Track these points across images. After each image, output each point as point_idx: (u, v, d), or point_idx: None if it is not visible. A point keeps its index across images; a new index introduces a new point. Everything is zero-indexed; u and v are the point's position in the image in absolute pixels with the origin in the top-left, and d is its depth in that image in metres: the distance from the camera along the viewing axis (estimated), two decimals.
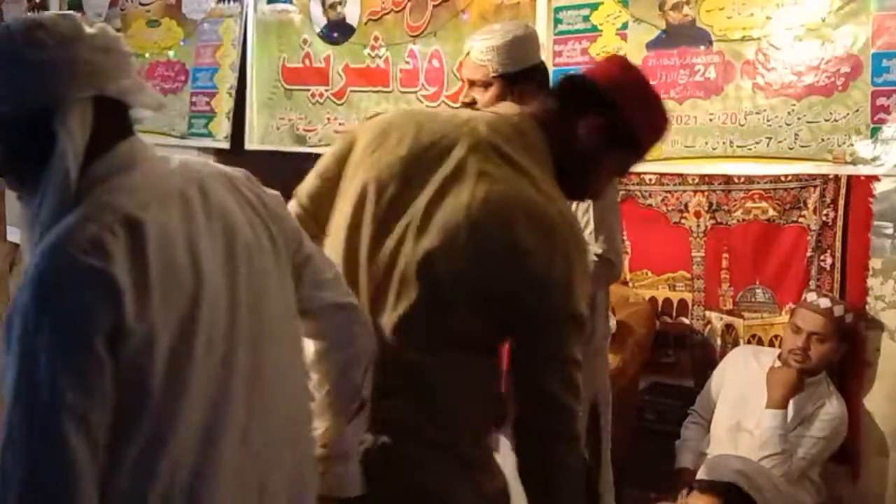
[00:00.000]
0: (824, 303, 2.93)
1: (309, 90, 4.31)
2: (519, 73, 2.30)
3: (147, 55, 4.98)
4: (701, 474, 2.75)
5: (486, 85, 2.29)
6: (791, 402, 2.88)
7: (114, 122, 1.28)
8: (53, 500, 1.08)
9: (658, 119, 1.64)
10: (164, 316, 1.17)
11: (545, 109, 1.57)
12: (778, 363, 2.95)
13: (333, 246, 1.57)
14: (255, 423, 1.27)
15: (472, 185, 1.43)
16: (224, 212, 1.31)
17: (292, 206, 1.68)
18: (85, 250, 1.14)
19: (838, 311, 2.91)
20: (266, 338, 1.31)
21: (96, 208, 1.19)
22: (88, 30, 1.26)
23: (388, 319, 1.47)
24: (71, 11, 1.60)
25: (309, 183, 1.68)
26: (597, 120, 1.53)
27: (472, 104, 2.29)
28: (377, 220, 1.50)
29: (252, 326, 1.28)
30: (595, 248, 2.21)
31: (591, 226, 2.23)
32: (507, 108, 1.60)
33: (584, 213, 2.22)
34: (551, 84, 2.46)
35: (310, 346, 1.47)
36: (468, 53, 2.34)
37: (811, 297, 2.97)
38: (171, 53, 4.89)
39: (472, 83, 2.32)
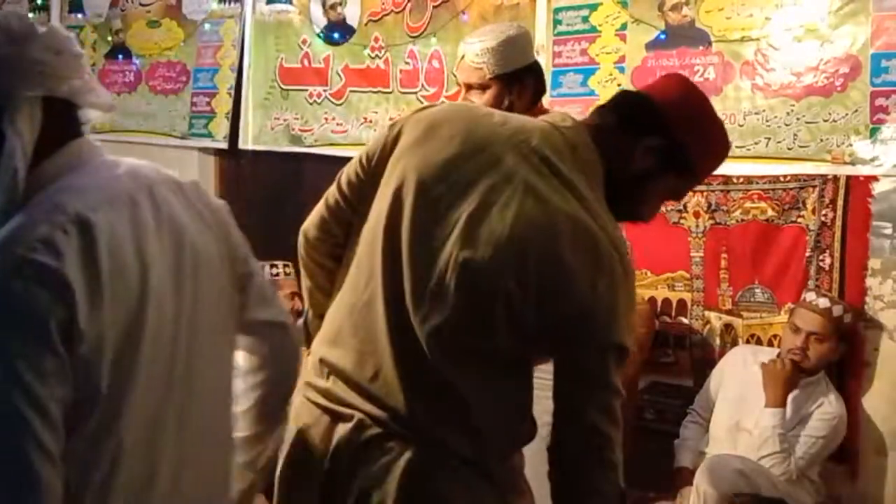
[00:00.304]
0: (823, 302, 2.93)
1: (306, 90, 4.32)
2: (515, 73, 2.30)
3: (147, 56, 4.99)
4: (700, 474, 2.75)
5: (483, 87, 2.29)
6: (790, 402, 2.88)
7: (63, 122, 1.28)
8: (18, 490, 1.08)
9: (716, 145, 1.58)
10: (113, 317, 1.17)
11: (599, 124, 1.52)
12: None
13: (370, 243, 1.50)
14: (185, 431, 1.29)
15: (520, 199, 1.38)
16: (173, 219, 1.31)
17: (330, 193, 1.63)
18: (36, 249, 1.13)
19: (837, 310, 2.91)
20: (200, 347, 1.31)
21: (46, 208, 1.18)
22: (40, 29, 1.25)
23: (421, 328, 1.41)
24: (12, 11, 1.58)
25: (349, 171, 1.61)
26: (651, 142, 1.48)
27: None
28: (417, 222, 1.43)
29: (189, 335, 1.29)
30: None
31: None
32: (561, 118, 1.52)
33: None
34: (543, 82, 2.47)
35: (240, 359, 1.48)
36: (463, 57, 2.34)
37: (810, 296, 2.98)
38: (171, 54, 4.89)
39: (468, 87, 2.32)
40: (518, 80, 2.31)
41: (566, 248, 1.35)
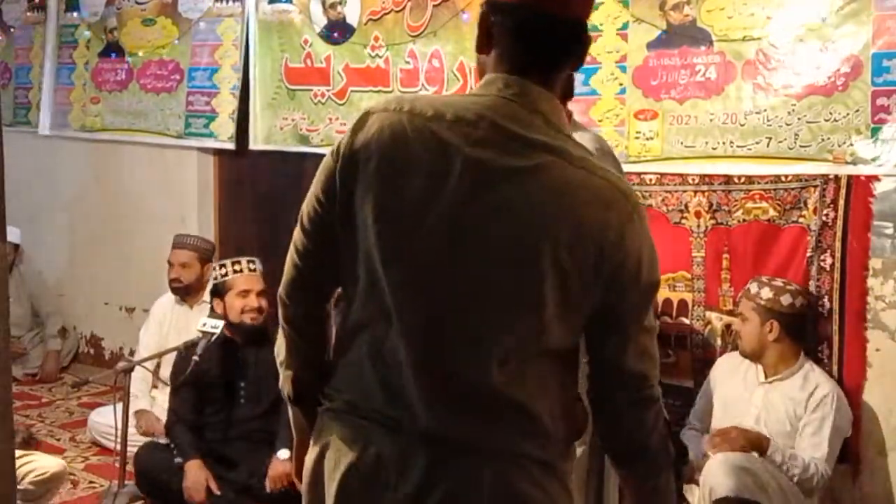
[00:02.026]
0: (753, 287, 3.03)
1: (311, 90, 4.32)
2: None
3: (140, 54, 4.98)
4: (706, 471, 2.74)
5: None
6: (779, 392, 2.90)
7: None
8: None
9: None
10: None
11: (511, 57, 1.38)
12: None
13: (369, 289, 1.39)
14: None
15: (509, 186, 1.31)
16: None
17: (295, 234, 1.49)
18: None
19: (765, 293, 2.99)
20: None
21: None
22: None
23: (462, 339, 1.33)
24: None
25: (313, 206, 1.46)
26: (578, 51, 1.41)
27: None
28: (413, 251, 1.34)
29: None
30: None
31: None
32: (497, 88, 1.38)
33: None
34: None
35: None
36: None
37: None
38: (164, 52, 4.88)
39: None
40: None
41: (582, 213, 1.31)
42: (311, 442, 1.48)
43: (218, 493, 3.25)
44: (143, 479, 3.40)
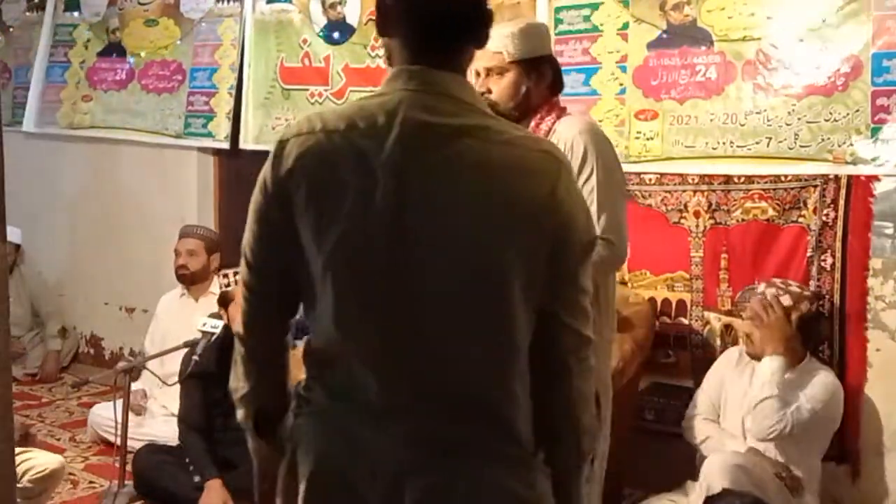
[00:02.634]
0: (770, 291, 2.98)
1: (307, 90, 4.32)
2: (534, 61, 2.30)
3: (143, 54, 4.98)
4: (705, 468, 2.74)
5: (502, 71, 2.29)
6: (784, 383, 2.88)
7: None
8: None
9: None
10: None
11: (411, 41, 1.39)
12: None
13: (331, 307, 1.37)
14: None
15: (433, 183, 1.31)
16: None
17: (242, 272, 1.47)
18: None
19: (786, 301, 2.94)
20: None
21: None
22: None
23: (428, 344, 1.33)
24: None
25: (257, 244, 1.45)
26: (483, 32, 1.42)
27: (487, 93, 2.29)
28: (362, 266, 1.34)
29: None
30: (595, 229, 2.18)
31: (594, 206, 2.18)
32: (394, 78, 1.39)
33: (589, 192, 2.19)
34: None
35: None
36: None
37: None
38: (166, 52, 4.89)
39: (487, 71, 2.32)
40: (536, 67, 2.31)
41: (511, 189, 1.31)
42: (285, 447, 1.47)
43: None
44: (141, 480, 3.39)
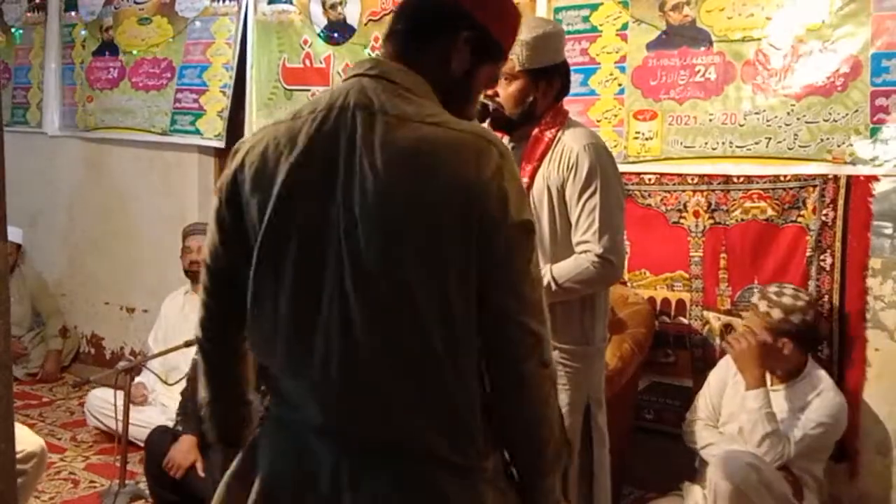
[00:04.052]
0: (762, 305, 2.92)
1: (309, 90, 4.32)
2: (544, 70, 2.30)
3: (135, 52, 4.99)
4: (713, 468, 2.73)
5: (510, 78, 2.29)
6: (783, 397, 2.87)
7: None
8: None
9: (513, 17, 1.46)
10: None
11: (401, 45, 1.40)
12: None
13: (266, 304, 1.35)
14: None
15: (364, 162, 1.28)
16: None
17: (203, 276, 1.48)
18: None
19: (776, 313, 2.88)
20: None
21: None
22: None
23: (366, 341, 1.28)
24: None
25: (212, 247, 1.45)
26: (464, 37, 1.38)
27: (494, 97, 2.29)
28: (295, 259, 1.31)
29: None
30: (596, 248, 2.21)
31: (596, 225, 2.20)
32: (360, 65, 1.39)
33: (589, 212, 2.21)
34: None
35: None
36: None
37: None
38: (157, 51, 4.89)
39: None
40: (546, 76, 2.31)
41: (439, 169, 1.26)
42: (240, 455, 1.46)
43: (202, 474, 3.27)
44: (151, 459, 3.40)
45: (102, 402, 4.03)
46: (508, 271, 1.29)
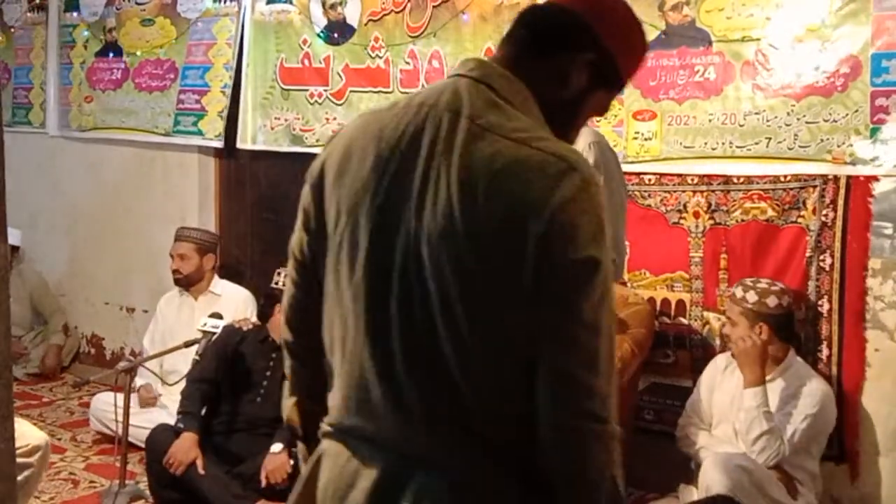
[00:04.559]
0: (738, 291, 3.00)
1: (307, 90, 4.32)
2: None
3: (138, 53, 4.99)
4: (706, 469, 2.74)
5: None
6: (771, 391, 2.88)
7: None
8: None
9: (640, 51, 1.40)
10: None
11: (518, 53, 1.33)
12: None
13: (334, 303, 1.33)
14: None
15: (442, 162, 1.23)
16: None
17: (289, 268, 1.47)
18: None
19: (750, 297, 2.95)
20: None
21: None
22: None
23: (426, 352, 1.23)
24: None
25: (297, 237, 1.44)
26: (586, 57, 1.31)
27: None
28: (364, 260, 1.27)
29: None
30: None
31: None
32: (465, 65, 1.33)
33: None
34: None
35: None
36: None
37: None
38: (161, 52, 4.90)
39: None
40: None
41: (508, 187, 1.17)
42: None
43: (202, 472, 3.27)
44: (152, 457, 3.40)
45: (107, 405, 4.02)
46: (561, 314, 1.16)
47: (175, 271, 4.29)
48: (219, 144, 4.63)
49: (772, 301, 2.94)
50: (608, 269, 1.19)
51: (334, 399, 1.37)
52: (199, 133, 4.71)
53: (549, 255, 1.15)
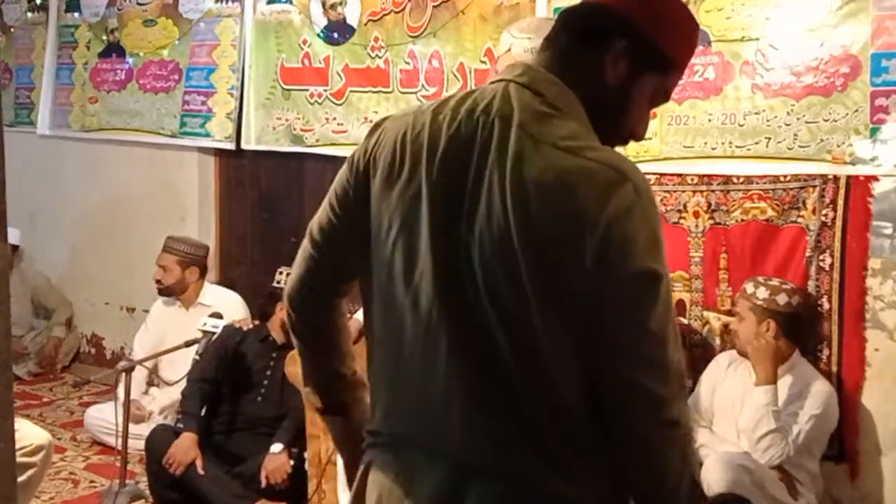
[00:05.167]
0: (749, 287, 3.02)
1: (307, 90, 4.32)
2: None
3: (141, 54, 4.99)
4: (707, 469, 2.74)
5: None
6: (778, 387, 2.89)
7: None
8: None
9: (685, 27, 1.37)
10: None
11: (554, 54, 1.33)
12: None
13: (386, 303, 1.33)
14: None
15: (492, 172, 1.23)
16: None
17: (305, 245, 1.46)
18: None
19: (761, 293, 2.98)
20: None
21: None
22: None
23: (488, 354, 1.24)
24: None
25: (322, 216, 1.43)
26: (618, 46, 1.29)
27: None
28: (424, 259, 1.27)
29: None
30: None
31: None
32: (511, 71, 1.33)
33: None
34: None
35: None
36: (509, 49, 2.31)
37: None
38: (164, 53, 4.90)
39: None
40: None
41: (559, 197, 1.19)
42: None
43: (202, 472, 3.28)
44: (152, 457, 3.40)
45: (99, 420, 4.04)
46: (623, 327, 1.18)
47: (157, 281, 4.28)
48: (230, 146, 4.62)
49: (782, 299, 2.96)
50: (667, 280, 1.21)
51: (380, 406, 1.37)
52: (208, 135, 4.71)
53: (606, 270, 1.16)
